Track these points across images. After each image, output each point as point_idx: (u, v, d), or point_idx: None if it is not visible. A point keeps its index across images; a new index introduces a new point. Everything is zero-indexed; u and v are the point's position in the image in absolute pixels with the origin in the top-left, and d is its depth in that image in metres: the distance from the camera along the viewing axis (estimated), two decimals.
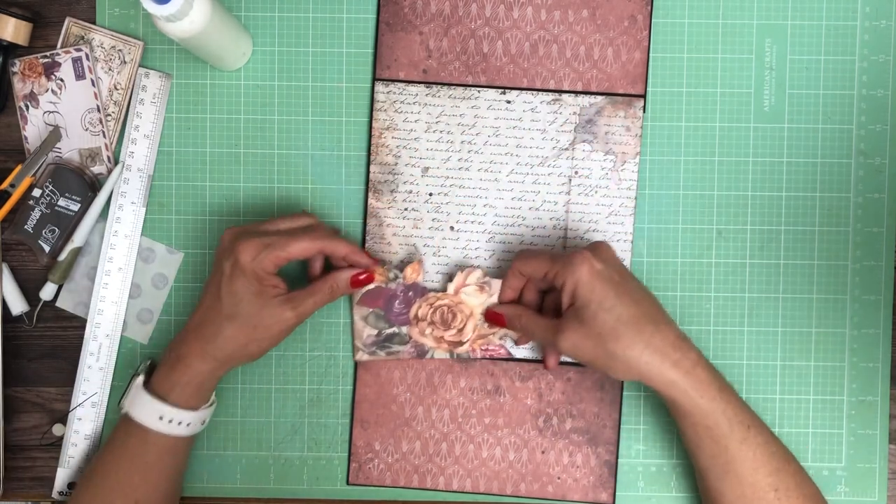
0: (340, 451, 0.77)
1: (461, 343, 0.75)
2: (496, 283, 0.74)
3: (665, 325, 0.67)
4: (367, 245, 0.76)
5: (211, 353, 0.69)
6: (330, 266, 0.74)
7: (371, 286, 0.74)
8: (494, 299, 0.74)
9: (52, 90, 0.76)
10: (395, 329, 0.75)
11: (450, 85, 0.76)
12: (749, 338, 0.77)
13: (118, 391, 0.77)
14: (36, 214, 0.75)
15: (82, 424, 0.76)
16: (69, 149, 0.76)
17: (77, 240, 0.75)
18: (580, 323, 0.67)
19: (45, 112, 0.76)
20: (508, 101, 0.76)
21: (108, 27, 0.77)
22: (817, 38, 0.76)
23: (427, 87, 0.76)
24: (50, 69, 0.76)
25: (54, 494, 0.76)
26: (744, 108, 0.77)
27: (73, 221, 0.75)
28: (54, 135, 0.76)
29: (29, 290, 0.77)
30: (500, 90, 0.76)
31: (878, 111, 0.76)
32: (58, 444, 0.77)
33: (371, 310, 0.75)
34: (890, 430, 0.77)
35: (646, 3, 0.76)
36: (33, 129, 0.76)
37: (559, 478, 0.76)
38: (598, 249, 0.69)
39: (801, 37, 0.76)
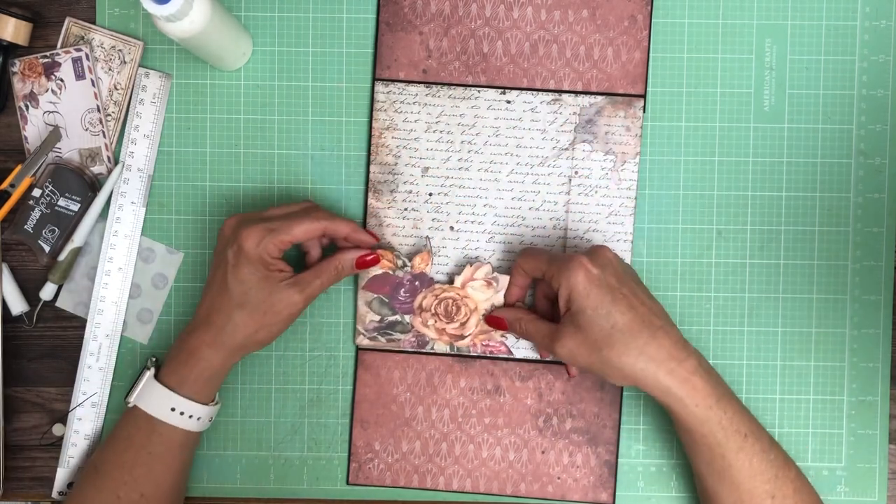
0: (340, 451, 0.77)
1: (463, 337, 0.75)
2: (504, 279, 0.74)
3: (662, 331, 0.67)
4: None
5: (222, 342, 0.69)
6: (327, 254, 0.74)
7: (379, 272, 0.75)
8: (501, 296, 0.74)
9: (52, 90, 0.76)
10: (397, 317, 0.75)
11: (450, 85, 0.76)
12: (749, 338, 0.77)
13: (118, 391, 0.77)
14: (36, 214, 0.75)
15: (82, 424, 0.76)
16: (69, 149, 0.76)
17: (77, 240, 0.75)
18: (576, 329, 0.67)
19: (45, 112, 0.76)
20: (508, 101, 0.76)
21: (108, 27, 0.77)
22: (817, 38, 0.76)
23: (427, 87, 0.76)
24: (50, 69, 0.76)
25: (54, 494, 0.76)
26: (744, 108, 0.77)
27: (73, 221, 0.75)
28: (54, 135, 0.76)
29: (29, 290, 0.77)
30: (500, 90, 0.76)
31: (878, 111, 0.76)
32: (58, 444, 0.77)
33: (376, 295, 0.75)
34: (890, 430, 0.77)
35: (646, 3, 0.76)
36: (33, 129, 0.76)
37: (559, 478, 0.76)
38: (596, 254, 0.68)
39: (801, 37, 0.76)
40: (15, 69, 0.76)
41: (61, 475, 0.76)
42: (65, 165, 0.75)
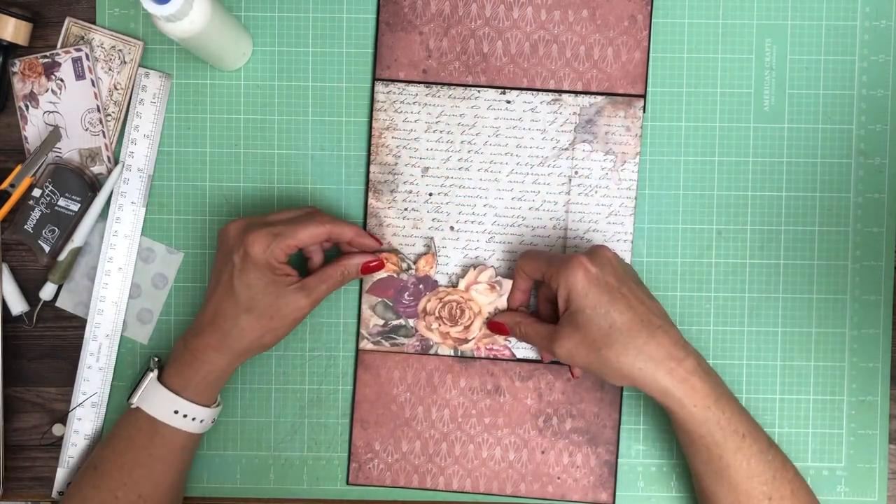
0: (340, 451, 0.77)
1: (467, 341, 0.75)
2: (507, 283, 0.74)
3: (661, 330, 0.67)
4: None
5: (228, 346, 0.69)
6: (328, 260, 0.74)
7: (383, 275, 0.75)
8: (504, 300, 0.74)
9: (52, 90, 0.76)
10: (401, 321, 0.75)
11: (450, 85, 0.76)
12: (749, 338, 0.77)
13: (118, 391, 0.77)
14: (36, 214, 0.75)
15: (82, 424, 0.76)
16: (69, 149, 0.76)
17: (77, 240, 0.75)
18: (574, 328, 0.67)
19: (45, 112, 0.76)
20: (508, 101, 0.76)
21: (108, 27, 0.77)
22: (817, 38, 0.76)
23: (427, 87, 0.76)
24: (50, 69, 0.76)
25: (54, 494, 0.76)
26: (744, 108, 0.77)
27: (73, 221, 0.75)
28: (54, 135, 0.76)
29: (29, 290, 0.77)
30: (500, 90, 0.76)
31: (878, 111, 0.76)
32: (58, 444, 0.77)
33: (380, 299, 0.75)
34: (890, 430, 0.77)
35: (646, 3, 0.76)
36: (33, 129, 0.76)
37: (559, 478, 0.76)
38: (595, 253, 0.68)
39: (801, 37, 0.76)
40: (15, 69, 0.76)
41: (61, 475, 0.76)
42: (65, 165, 0.75)
